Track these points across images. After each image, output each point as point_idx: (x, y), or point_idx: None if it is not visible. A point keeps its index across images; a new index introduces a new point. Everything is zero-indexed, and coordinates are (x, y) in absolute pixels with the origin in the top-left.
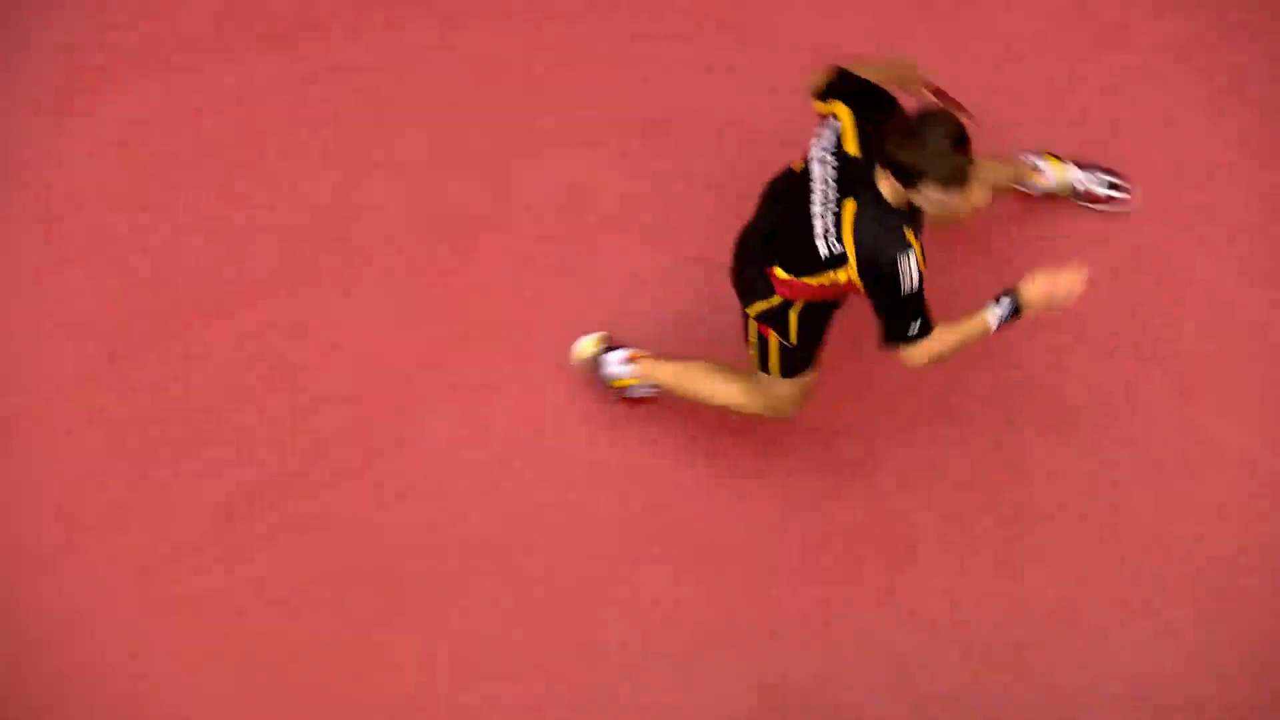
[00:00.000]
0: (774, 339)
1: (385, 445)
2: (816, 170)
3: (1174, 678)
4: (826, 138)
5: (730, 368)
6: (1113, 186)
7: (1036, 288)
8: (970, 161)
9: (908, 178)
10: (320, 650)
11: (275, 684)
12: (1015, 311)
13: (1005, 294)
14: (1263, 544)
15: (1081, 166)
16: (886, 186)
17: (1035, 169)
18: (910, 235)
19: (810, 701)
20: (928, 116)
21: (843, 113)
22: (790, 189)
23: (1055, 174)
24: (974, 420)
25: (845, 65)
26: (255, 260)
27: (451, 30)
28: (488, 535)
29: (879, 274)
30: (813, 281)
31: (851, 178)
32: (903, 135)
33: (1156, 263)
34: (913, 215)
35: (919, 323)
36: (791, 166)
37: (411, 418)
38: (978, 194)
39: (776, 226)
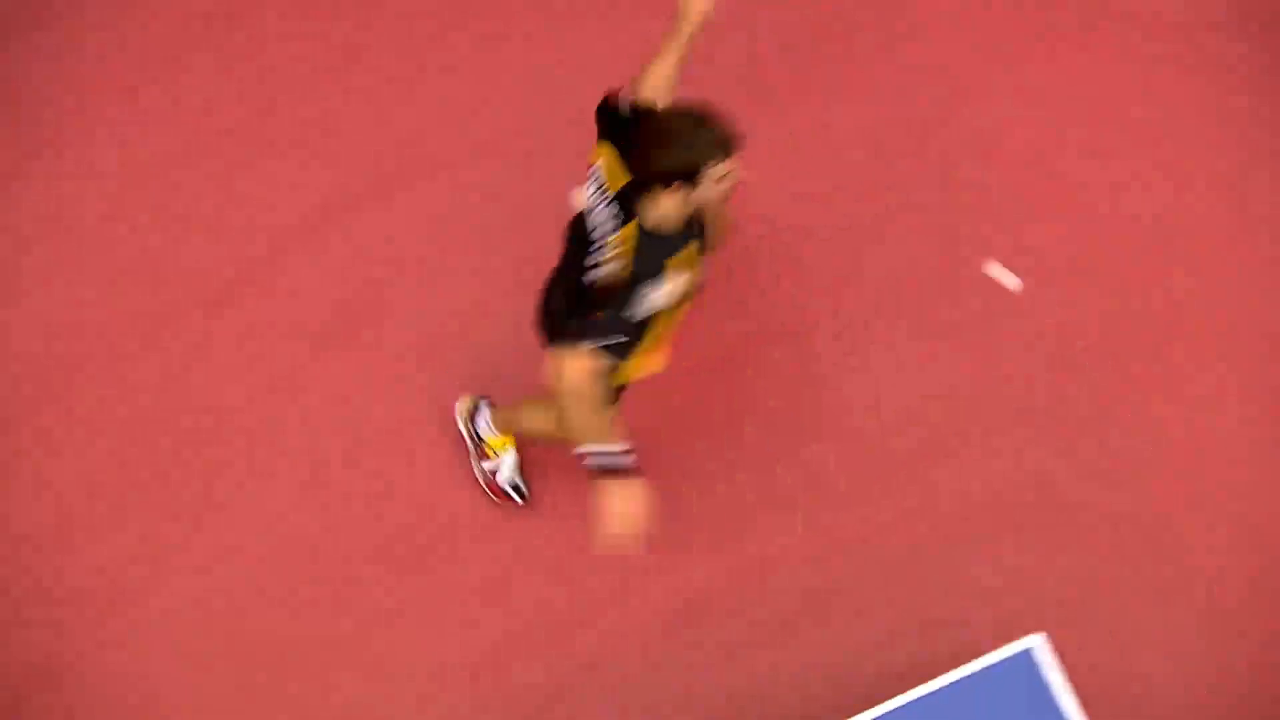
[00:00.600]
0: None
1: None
2: (592, 209)
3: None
4: (593, 177)
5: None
6: None
7: (629, 494)
8: (723, 125)
9: (687, 177)
10: (323, 649)
11: (275, 684)
12: (613, 473)
13: (633, 464)
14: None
15: None
16: (663, 205)
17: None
18: (672, 266)
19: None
20: (662, 115)
21: (603, 153)
22: (580, 226)
23: None
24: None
25: (609, 96)
26: (252, 255)
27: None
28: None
29: (620, 295)
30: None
31: (620, 212)
32: (657, 146)
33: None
34: (690, 233)
35: (615, 347)
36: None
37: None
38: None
39: (571, 262)
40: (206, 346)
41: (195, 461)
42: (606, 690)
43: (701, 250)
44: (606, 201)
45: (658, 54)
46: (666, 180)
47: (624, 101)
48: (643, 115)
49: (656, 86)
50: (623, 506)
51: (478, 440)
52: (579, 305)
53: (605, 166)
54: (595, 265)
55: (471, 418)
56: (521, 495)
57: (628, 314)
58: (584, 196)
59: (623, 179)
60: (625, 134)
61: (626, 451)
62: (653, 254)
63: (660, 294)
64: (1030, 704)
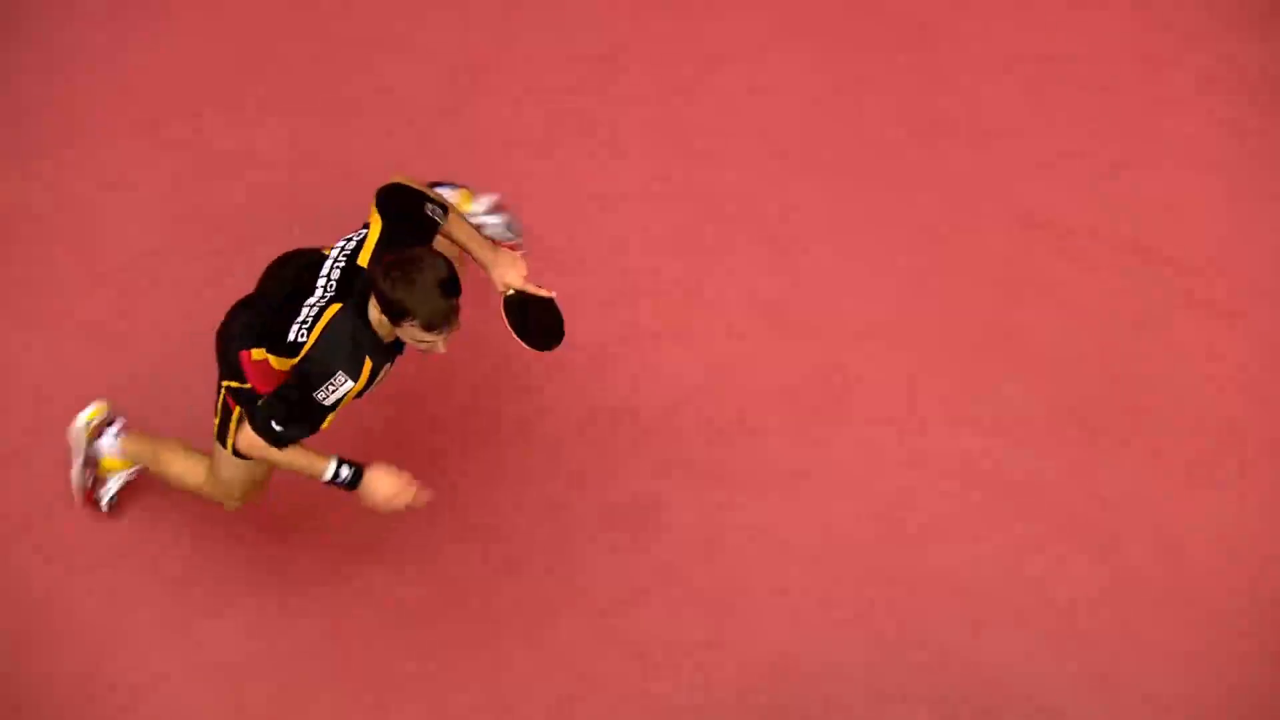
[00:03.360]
0: (237, 414)
1: None
2: (328, 266)
3: None
4: (354, 240)
5: (197, 450)
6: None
7: (378, 485)
8: (456, 307)
9: (394, 314)
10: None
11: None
12: (348, 486)
13: (353, 468)
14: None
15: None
16: (375, 311)
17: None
18: (366, 366)
19: None
20: (423, 258)
21: (375, 226)
22: (304, 270)
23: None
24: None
25: (408, 181)
26: None
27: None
28: None
29: (310, 371)
30: (275, 365)
31: (350, 286)
32: (396, 272)
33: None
34: (391, 347)
35: (292, 429)
36: (321, 250)
37: None
38: (449, 336)
39: (274, 300)
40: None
41: None
42: None
43: (385, 367)
44: (342, 267)
45: (464, 226)
46: (380, 300)
47: (427, 204)
48: (424, 229)
49: (452, 235)
50: (384, 495)
51: (91, 455)
52: (258, 341)
53: (370, 239)
54: (291, 315)
55: (98, 431)
56: (110, 507)
57: (317, 400)
58: (338, 246)
59: (368, 258)
60: (402, 229)
61: (340, 464)
62: (337, 344)
63: (332, 387)
64: None
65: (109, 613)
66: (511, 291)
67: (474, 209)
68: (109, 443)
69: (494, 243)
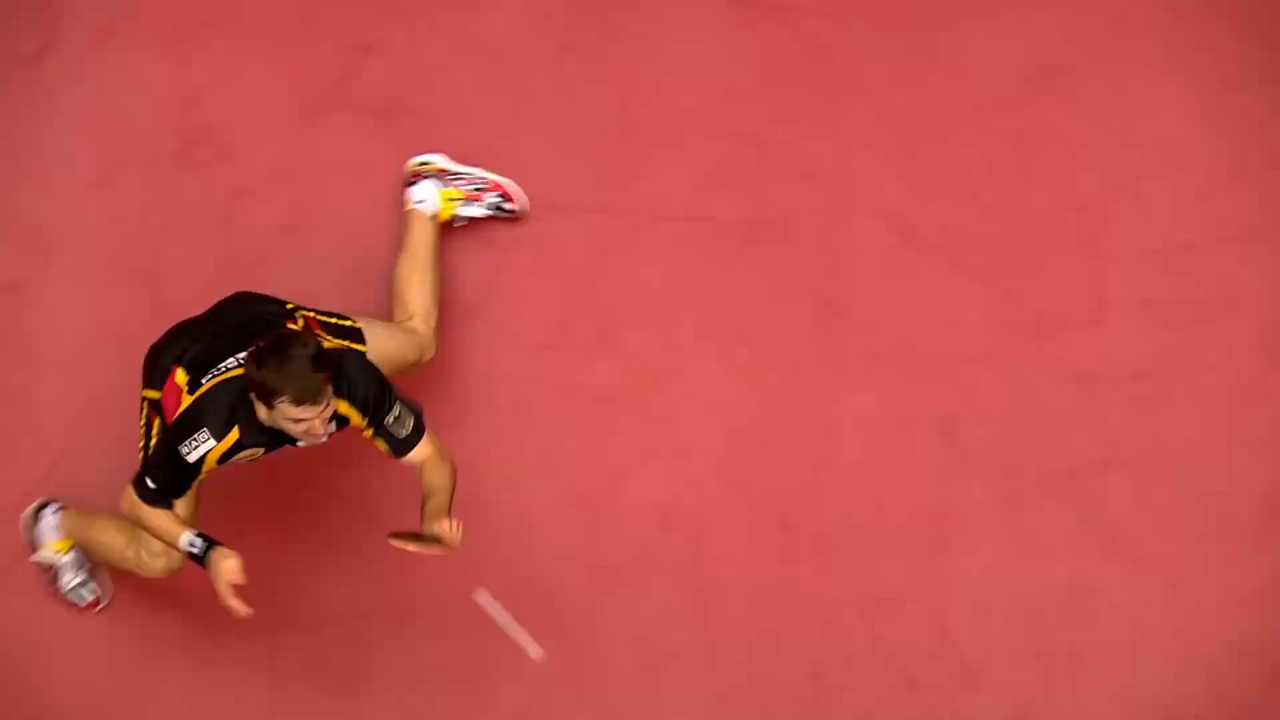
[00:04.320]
0: (158, 423)
1: None
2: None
3: None
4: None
5: (126, 523)
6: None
7: (223, 564)
8: (326, 384)
9: (265, 395)
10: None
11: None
12: (198, 559)
13: (207, 542)
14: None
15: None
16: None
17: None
18: (232, 435)
19: None
20: (291, 337)
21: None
22: (253, 322)
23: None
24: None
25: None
26: None
27: None
28: None
29: (183, 419)
30: (187, 397)
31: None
32: (266, 352)
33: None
34: (270, 432)
35: (156, 483)
36: (282, 305)
37: None
38: (328, 413)
39: (211, 333)
40: None
41: None
42: None
43: (256, 449)
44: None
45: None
46: (251, 385)
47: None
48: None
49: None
50: (215, 578)
51: (34, 541)
52: (186, 364)
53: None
54: (215, 359)
55: (34, 524)
56: (90, 596)
57: (177, 456)
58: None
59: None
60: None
61: (193, 541)
62: (216, 403)
63: (194, 443)
64: None
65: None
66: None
67: (456, 210)
68: (49, 527)
69: (443, 519)
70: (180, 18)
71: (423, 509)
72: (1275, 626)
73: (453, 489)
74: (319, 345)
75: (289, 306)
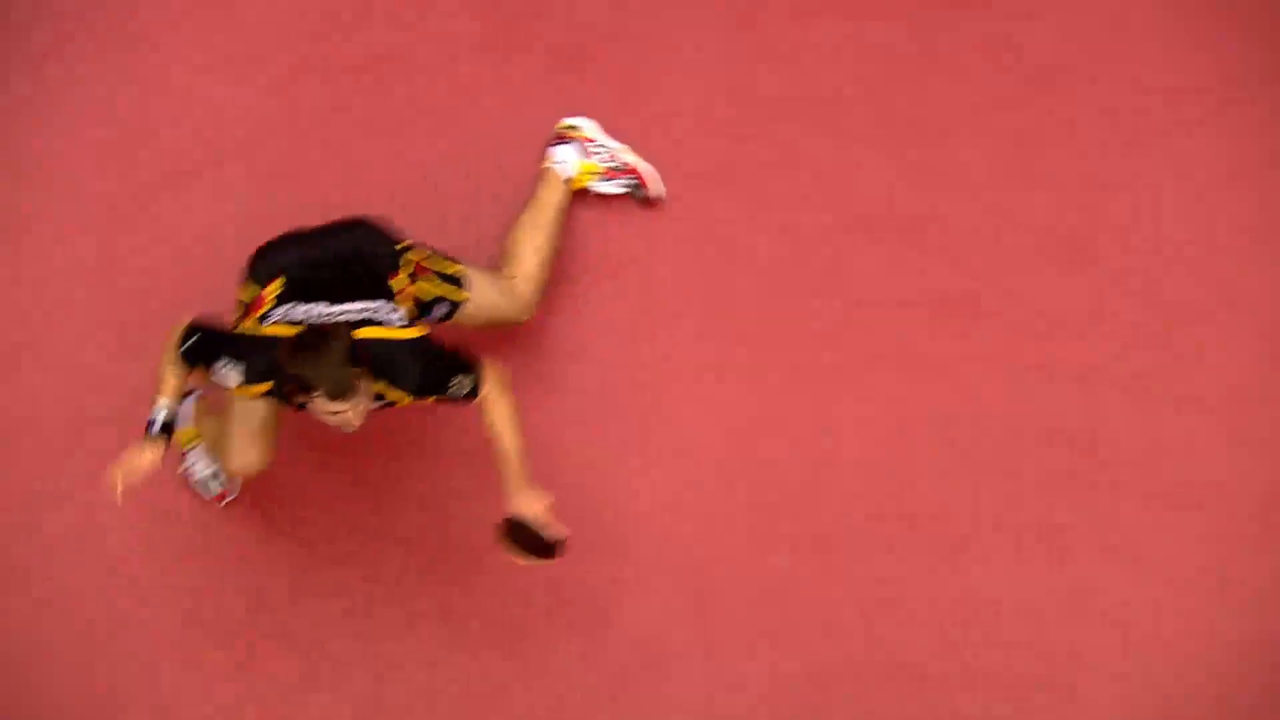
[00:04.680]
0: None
1: None
2: (353, 308)
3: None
4: (395, 316)
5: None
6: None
7: (144, 456)
8: (358, 379)
9: (301, 387)
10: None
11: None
12: (149, 427)
13: (164, 427)
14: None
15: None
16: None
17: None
18: (263, 386)
19: None
20: (328, 331)
21: (413, 332)
22: (357, 264)
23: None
24: None
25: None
26: None
27: None
28: None
29: (237, 341)
30: (258, 323)
31: (326, 332)
32: (302, 346)
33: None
34: (279, 382)
35: (191, 345)
36: (402, 246)
37: None
38: (363, 406)
39: (322, 262)
40: None
41: None
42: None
43: (277, 398)
44: (355, 319)
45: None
46: (286, 375)
47: (456, 380)
48: (448, 389)
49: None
50: (131, 454)
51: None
52: (284, 279)
53: (393, 334)
54: (311, 291)
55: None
56: (216, 488)
57: (215, 342)
58: (379, 300)
59: (369, 331)
60: (429, 364)
61: (159, 412)
62: (263, 353)
63: (226, 369)
64: None
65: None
66: (518, 519)
67: (592, 183)
68: (183, 414)
69: (525, 473)
70: None
71: (501, 467)
72: (1275, 626)
73: (517, 434)
74: (352, 341)
75: (399, 246)
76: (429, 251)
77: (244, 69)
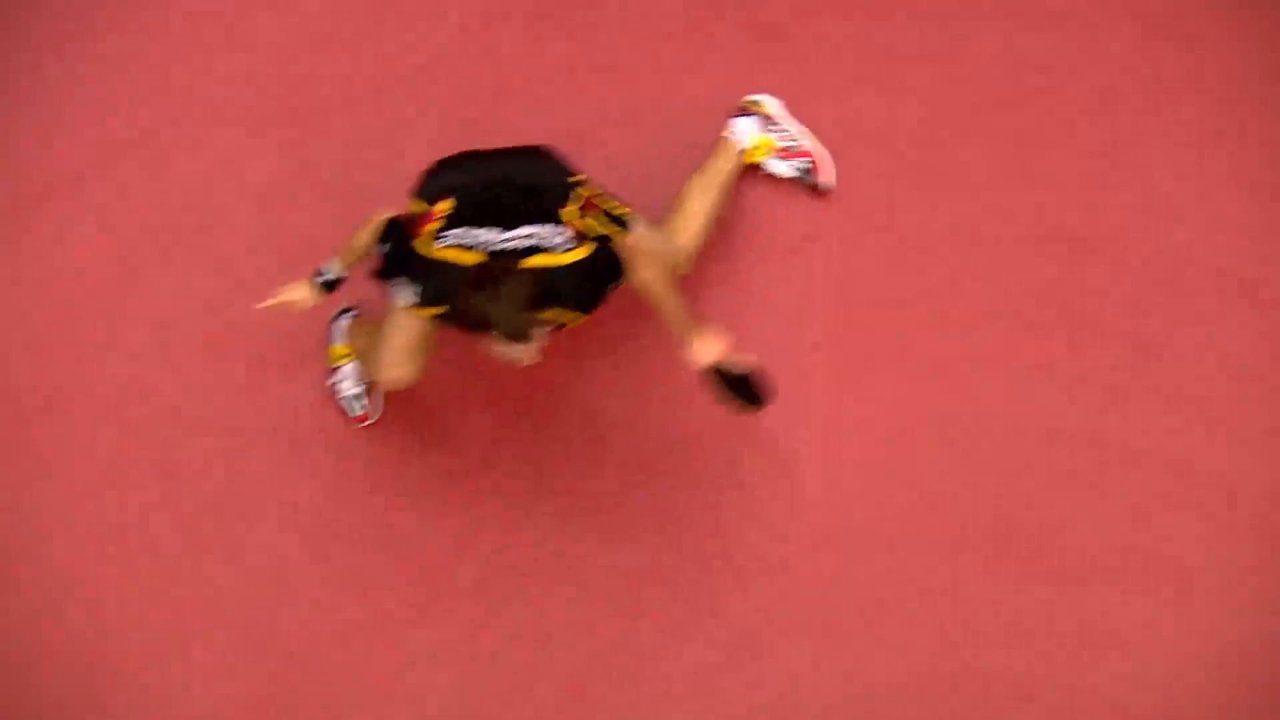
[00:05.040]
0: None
1: None
2: (523, 233)
3: None
4: (558, 239)
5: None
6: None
7: (304, 292)
8: (534, 322)
9: (477, 322)
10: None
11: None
12: (318, 279)
13: (329, 281)
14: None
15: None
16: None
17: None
18: (431, 311)
19: None
20: (512, 273)
21: (582, 251)
22: (528, 195)
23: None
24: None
25: (646, 257)
26: None
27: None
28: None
29: (415, 264)
30: (432, 244)
31: (501, 259)
32: (485, 283)
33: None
34: (470, 322)
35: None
36: (574, 179)
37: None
38: (533, 351)
39: (496, 181)
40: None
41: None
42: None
43: (450, 321)
44: (525, 246)
45: (671, 296)
46: (466, 305)
47: (614, 285)
48: (600, 292)
49: (652, 294)
50: (295, 286)
51: (330, 346)
52: (452, 198)
53: (565, 258)
54: (481, 214)
55: (332, 324)
56: (359, 407)
57: (402, 263)
58: (546, 225)
59: (539, 260)
60: (591, 275)
61: (330, 274)
62: (441, 276)
63: (405, 291)
64: None
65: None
66: (712, 369)
67: (767, 160)
68: (338, 332)
69: (693, 322)
70: None
71: (670, 327)
72: (1277, 626)
73: (672, 289)
74: (535, 286)
75: (573, 179)
76: (600, 190)
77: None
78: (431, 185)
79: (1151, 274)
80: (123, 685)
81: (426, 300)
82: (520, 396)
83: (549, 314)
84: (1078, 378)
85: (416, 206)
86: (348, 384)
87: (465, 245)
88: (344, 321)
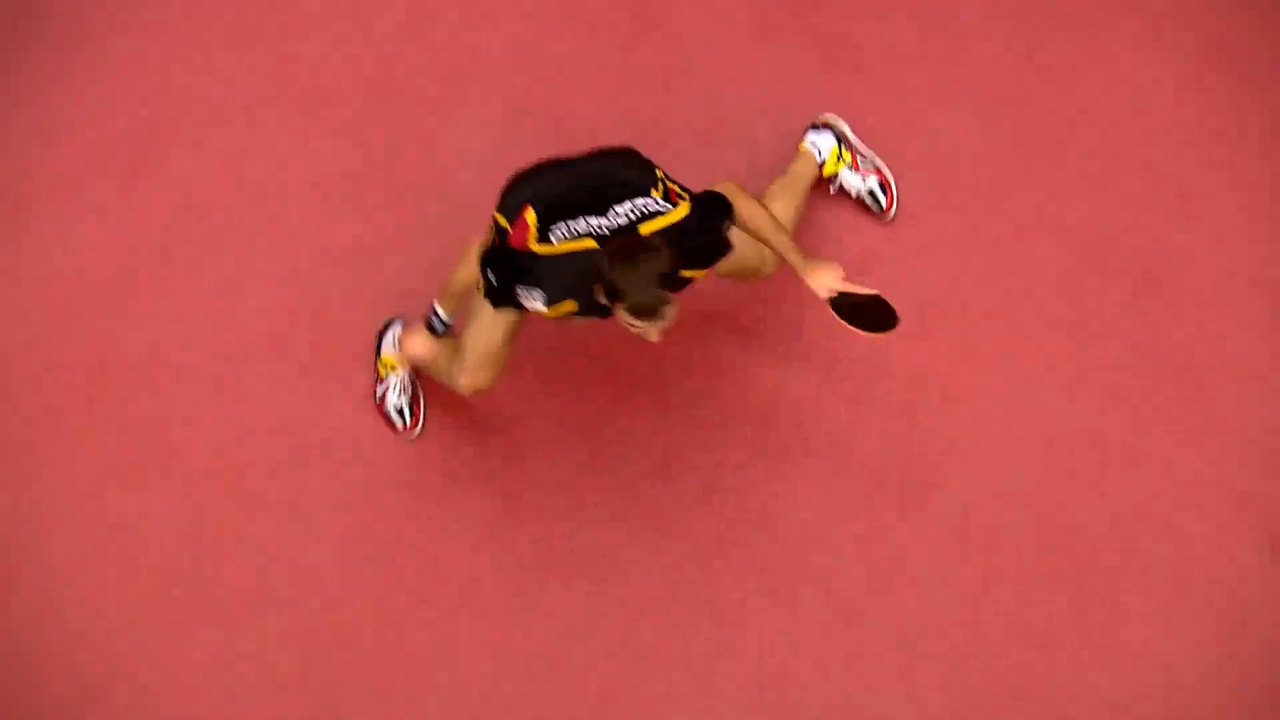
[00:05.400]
0: (499, 244)
1: None
2: (624, 209)
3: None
4: (653, 207)
5: (450, 346)
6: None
7: (416, 340)
8: (668, 301)
9: (608, 293)
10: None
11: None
12: (429, 320)
13: (441, 322)
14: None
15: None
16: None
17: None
18: (565, 306)
19: None
20: (649, 246)
21: (681, 211)
22: (617, 186)
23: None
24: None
25: (736, 194)
26: None
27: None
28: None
29: (528, 268)
30: (536, 245)
31: (612, 239)
32: (620, 254)
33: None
34: (602, 309)
35: (489, 285)
36: (646, 172)
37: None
38: (661, 327)
39: (579, 181)
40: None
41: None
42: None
43: (584, 319)
44: (630, 219)
45: (776, 231)
46: (599, 277)
47: (728, 225)
48: (714, 247)
49: (763, 236)
50: (405, 340)
51: (376, 356)
52: (544, 205)
53: (667, 219)
54: (571, 212)
55: (381, 334)
56: (403, 421)
57: (514, 277)
58: (640, 198)
59: (651, 225)
60: (697, 233)
61: (437, 314)
62: (562, 272)
63: (528, 295)
64: None
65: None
66: (833, 299)
67: (842, 171)
68: (388, 341)
69: (805, 253)
70: None
71: (785, 260)
72: (1276, 626)
73: (777, 225)
74: (672, 262)
75: (659, 174)
76: (681, 187)
77: (509, 8)
78: (514, 198)
79: (1152, 274)
80: (123, 685)
81: (555, 298)
82: (553, 392)
83: (684, 274)
84: (1077, 377)
85: (501, 220)
86: (394, 395)
87: (576, 235)
88: (391, 333)
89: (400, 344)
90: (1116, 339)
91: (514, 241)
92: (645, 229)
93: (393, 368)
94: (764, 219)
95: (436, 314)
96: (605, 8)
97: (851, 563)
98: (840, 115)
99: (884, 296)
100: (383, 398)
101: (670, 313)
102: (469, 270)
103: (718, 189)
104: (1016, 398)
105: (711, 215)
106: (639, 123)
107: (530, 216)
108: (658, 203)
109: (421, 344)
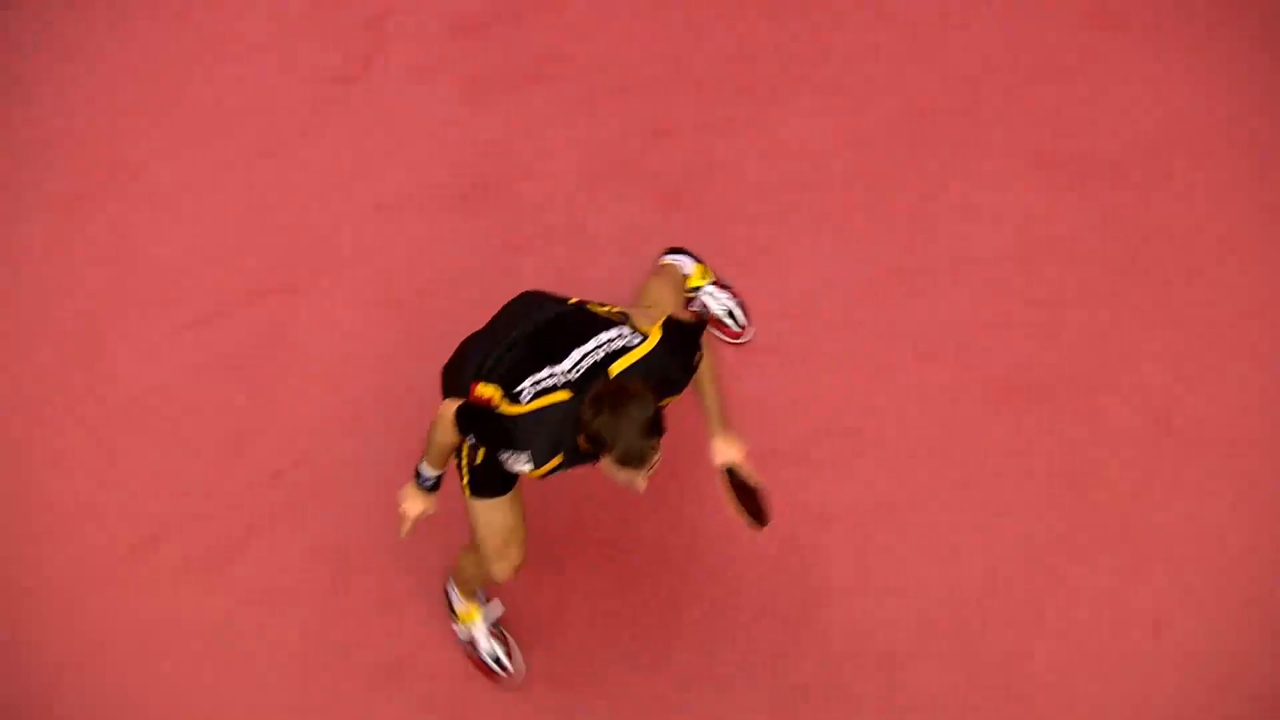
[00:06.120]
0: (465, 445)
1: None
2: (586, 349)
3: None
4: (621, 342)
5: (472, 548)
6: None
7: (418, 505)
8: (654, 450)
9: (592, 442)
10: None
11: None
12: (419, 481)
13: (431, 483)
14: None
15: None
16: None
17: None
18: (555, 459)
19: None
20: (634, 393)
21: (651, 342)
22: (553, 328)
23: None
24: None
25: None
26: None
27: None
28: None
29: (506, 431)
30: (509, 407)
31: (588, 383)
32: (605, 402)
33: None
34: (586, 455)
35: (478, 483)
36: (565, 303)
37: None
38: (649, 472)
39: (510, 340)
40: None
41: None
42: None
43: (569, 469)
44: (596, 361)
45: (711, 386)
46: (582, 427)
47: (698, 353)
48: (685, 374)
49: (699, 385)
50: (402, 504)
51: (452, 613)
52: (494, 377)
53: (637, 353)
54: (530, 367)
55: (446, 593)
56: (502, 667)
57: (495, 440)
58: (599, 336)
59: (623, 362)
60: (668, 362)
61: (430, 476)
62: (543, 428)
63: (513, 459)
64: None
65: None
66: (726, 468)
67: (705, 286)
68: (455, 596)
69: (725, 421)
70: (492, 70)
71: (704, 414)
72: (1276, 626)
73: (717, 381)
74: (658, 409)
75: (572, 303)
76: (594, 304)
77: (362, 188)
78: (454, 384)
79: (1151, 274)
80: (122, 685)
81: (542, 456)
82: None
83: (664, 402)
84: (1065, 391)
85: (463, 394)
86: (484, 643)
87: (546, 390)
88: (453, 588)
89: (401, 511)
90: (991, 451)
91: (486, 404)
92: (616, 368)
93: (470, 616)
94: (712, 366)
95: (423, 475)
96: (444, 174)
97: None
98: (687, 251)
99: (769, 496)
100: (477, 652)
101: (656, 459)
102: (446, 434)
103: (695, 322)
104: (1014, 404)
105: (684, 349)
106: (490, 289)
107: (485, 389)
108: (622, 335)
109: (417, 502)
